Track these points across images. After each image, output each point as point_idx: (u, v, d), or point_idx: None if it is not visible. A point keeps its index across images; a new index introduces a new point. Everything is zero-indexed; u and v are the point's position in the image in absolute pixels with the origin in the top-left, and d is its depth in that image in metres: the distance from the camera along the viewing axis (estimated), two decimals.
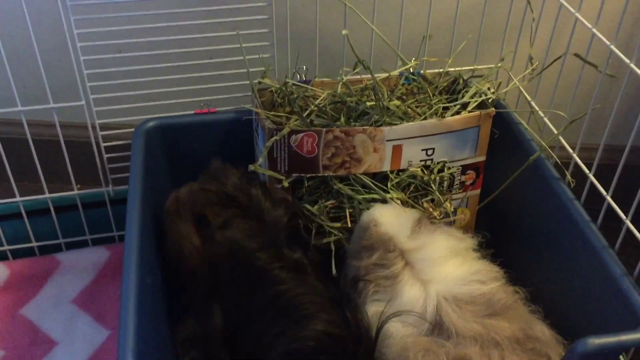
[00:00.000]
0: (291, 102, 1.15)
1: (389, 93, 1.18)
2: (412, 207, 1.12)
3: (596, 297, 0.96)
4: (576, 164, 1.10)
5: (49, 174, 1.25)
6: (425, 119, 1.12)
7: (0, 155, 1.21)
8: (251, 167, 1.09)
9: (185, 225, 1.03)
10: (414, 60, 1.21)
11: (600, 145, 1.04)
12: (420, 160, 1.12)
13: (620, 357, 0.99)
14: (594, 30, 1.06)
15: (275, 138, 1.06)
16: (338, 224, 1.11)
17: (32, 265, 1.32)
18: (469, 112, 1.13)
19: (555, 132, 1.13)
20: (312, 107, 1.13)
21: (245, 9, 1.20)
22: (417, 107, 1.16)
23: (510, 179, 1.15)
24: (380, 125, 1.09)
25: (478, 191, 1.21)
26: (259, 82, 1.17)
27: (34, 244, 1.33)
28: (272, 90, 1.18)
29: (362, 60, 1.12)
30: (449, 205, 1.14)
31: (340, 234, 1.10)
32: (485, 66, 1.22)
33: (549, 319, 0.99)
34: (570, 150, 1.12)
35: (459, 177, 1.17)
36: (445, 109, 1.16)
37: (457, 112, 1.13)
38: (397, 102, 1.13)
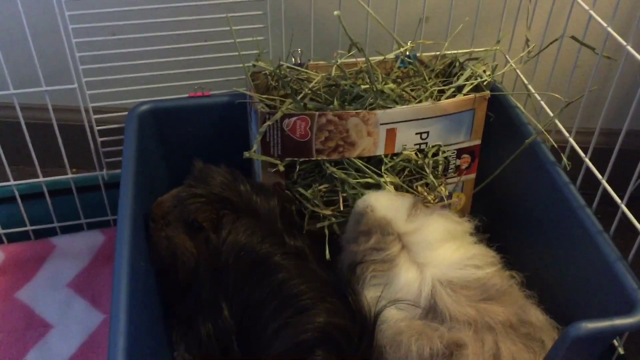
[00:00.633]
0: (284, 85, 1.14)
1: (384, 76, 1.17)
2: (407, 191, 1.11)
3: (591, 281, 0.95)
4: (572, 148, 1.09)
5: (43, 157, 1.24)
6: (420, 102, 1.11)
7: None
8: (246, 155, 1.08)
9: (176, 233, 1.03)
10: (410, 43, 1.20)
11: (597, 129, 1.03)
12: (415, 144, 1.12)
13: (614, 341, 0.99)
14: (591, 12, 1.05)
15: (268, 123, 1.05)
16: (331, 209, 1.10)
17: (27, 249, 1.32)
18: (464, 95, 1.12)
19: (552, 115, 1.13)
20: (306, 90, 1.12)
21: None
22: (412, 90, 1.15)
23: (505, 162, 1.14)
24: (374, 108, 1.08)
25: (473, 175, 1.20)
26: (253, 65, 1.16)
27: (29, 227, 1.32)
28: (266, 74, 1.17)
29: (356, 42, 1.11)
30: (443, 189, 1.13)
31: (334, 219, 1.10)
32: (482, 49, 1.21)
33: (543, 303, 0.99)
34: (567, 134, 1.12)
35: (454, 161, 1.16)
36: (441, 92, 1.15)
37: (453, 95, 1.12)
38: (391, 86, 1.12)
